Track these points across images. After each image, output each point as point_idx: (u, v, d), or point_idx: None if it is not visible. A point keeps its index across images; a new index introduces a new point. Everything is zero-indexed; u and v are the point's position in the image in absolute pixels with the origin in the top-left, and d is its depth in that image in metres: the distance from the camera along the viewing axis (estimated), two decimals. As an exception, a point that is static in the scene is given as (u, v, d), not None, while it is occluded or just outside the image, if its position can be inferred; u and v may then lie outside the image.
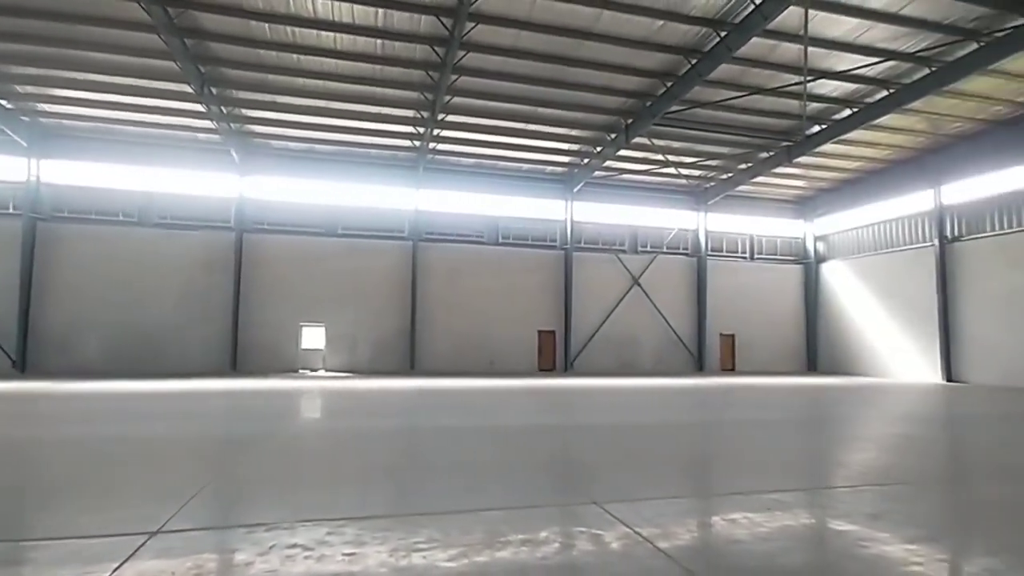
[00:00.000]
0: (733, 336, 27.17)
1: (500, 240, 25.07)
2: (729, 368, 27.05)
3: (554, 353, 25.15)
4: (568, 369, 24.89)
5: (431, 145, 21.66)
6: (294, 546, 3.66)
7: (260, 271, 22.63)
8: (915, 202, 23.24)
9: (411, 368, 23.27)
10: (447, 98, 17.67)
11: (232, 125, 20.14)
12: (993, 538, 4.31)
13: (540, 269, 25.29)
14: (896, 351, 23.70)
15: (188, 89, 17.00)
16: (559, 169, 24.42)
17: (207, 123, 19.66)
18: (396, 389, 15.52)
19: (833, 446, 8.34)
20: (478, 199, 25.11)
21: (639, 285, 26.18)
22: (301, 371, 22.50)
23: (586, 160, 23.09)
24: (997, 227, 20.14)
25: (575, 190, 25.11)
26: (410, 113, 19.12)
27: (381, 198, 24.23)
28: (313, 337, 23.08)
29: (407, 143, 21.62)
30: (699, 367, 26.46)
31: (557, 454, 7.12)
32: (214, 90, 17.50)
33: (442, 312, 23.97)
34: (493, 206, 25.25)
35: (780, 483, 5.57)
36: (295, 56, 15.90)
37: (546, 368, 24.97)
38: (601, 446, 7.58)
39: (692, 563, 3.55)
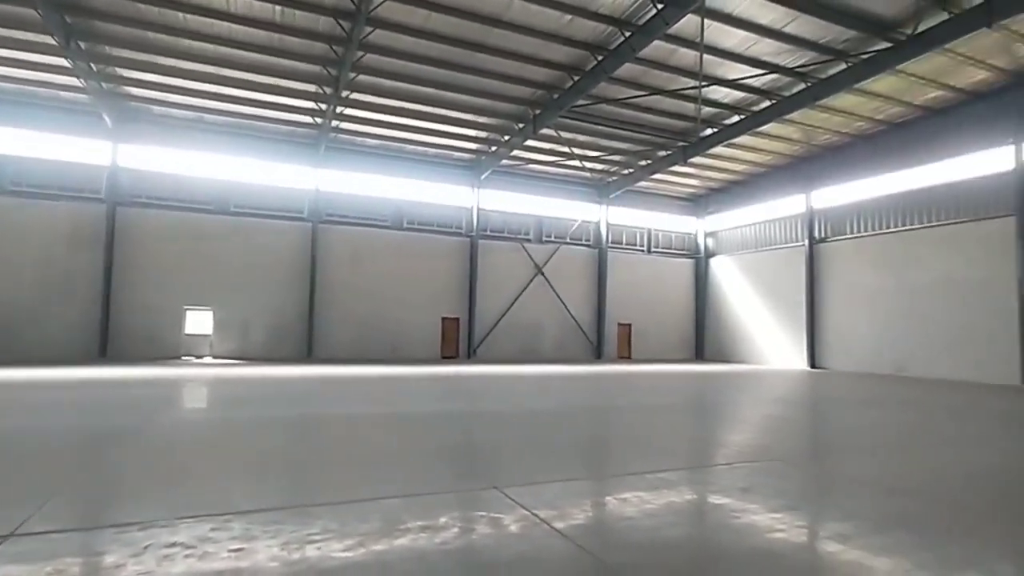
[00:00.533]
0: (630, 325, 28.65)
1: (405, 225, 24.60)
2: (625, 356, 28.52)
3: (458, 340, 25.19)
4: (471, 356, 25.04)
5: (334, 123, 20.73)
6: (173, 545, 3.40)
7: (137, 249, 20.57)
8: (790, 205, 25.68)
9: (308, 355, 22.33)
10: (352, 75, 16.96)
11: (104, 85, 18.03)
12: (845, 506, 4.90)
13: (445, 255, 25.15)
14: (771, 340, 26.18)
15: (51, 41, 14.99)
16: (467, 155, 24.33)
17: (73, 80, 17.45)
18: (291, 377, 14.83)
19: (714, 428, 9.07)
20: (383, 182, 24.43)
21: (543, 274, 26.82)
22: (184, 358, 20.82)
23: (494, 148, 23.18)
24: (856, 230, 22.75)
25: (482, 177, 25.15)
26: (312, 88, 18.15)
27: (279, 176, 22.85)
28: (199, 322, 21.41)
29: (308, 119, 20.52)
30: (597, 355, 27.65)
31: (459, 441, 7.15)
32: (82, 44, 15.54)
33: (343, 297, 23.17)
34: (399, 190, 24.70)
35: (667, 463, 5.98)
36: (180, 15, 14.49)
37: (449, 355, 24.96)
38: (503, 432, 7.72)
39: (585, 540, 3.72)
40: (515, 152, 23.24)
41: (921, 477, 5.74)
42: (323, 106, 19.22)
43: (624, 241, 29.13)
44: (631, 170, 25.82)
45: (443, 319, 24.94)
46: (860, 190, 22.70)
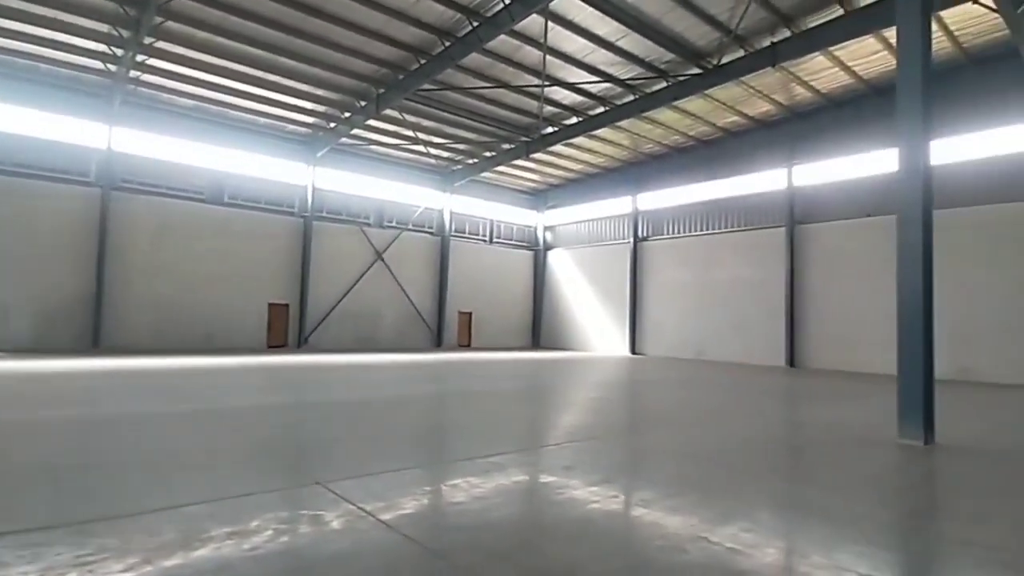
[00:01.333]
0: (471, 314, 29.19)
1: (227, 200, 22.18)
2: (465, 344, 29.02)
3: (287, 328, 23.51)
4: (303, 345, 23.56)
5: (133, 74, 17.84)
6: None
7: None
8: (620, 205, 28.12)
9: (95, 344, 19.09)
10: (157, 20, 14.71)
11: None
12: (651, 475, 5.49)
13: (275, 236, 23.24)
14: (600, 329, 28.52)
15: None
16: (302, 129, 22.68)
17: None
18: (67, 371, 12.56)
19: (544, 411, 9.61)
20: (201, 149, 21.71)
21: (383, 260, 26.12)
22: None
23: (333, 124, 21.92)
24: (672, 232, 25.67)
25: (319, 155, 23.66)
26: (104, 27, 15.36)
27: (60, 129, 19.07)
28: (-61, 304, 17.15)
29: (98, 64, 17.32)
30: (438, 343, 27.75)
31: (280, 437, 6.67)
32: None
33: (144, 277, 20.16)
34: (220, 160, 22.16)
35: (499, 447, 6.18)
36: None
37: (277, 344, 23.21)
38: (332, 424, 7.36)
39: (412, 529, 3.68)
40: (356, 131, 22.20)
41: (711, 445, 6.66)
42: (119, 51, 16.39)
43: (467, 230, 29.51)
44: (476, 160, 26.19)
45: (271, 305, 23.06)
46: (676, 196, 25.62)
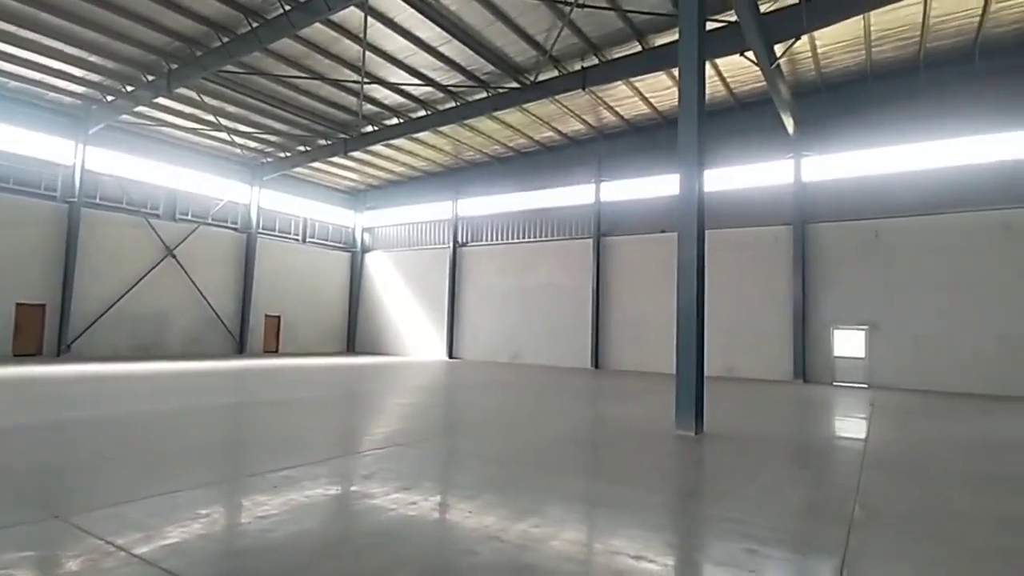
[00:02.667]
0: (279, 317, 27.00)
1: (-45, 175, 17.64)
2: (273, 350, 26.75)
3: (42, 333, 19.40)
4: (63, 353, 19.64)
5: None
6: None
7: None
8: (441, 210, 28.32)
9: None
10: None
11: None
12: (453, 478, 5.51)
13: (26, 224, 19.06)
14: (418, 333, 28.33)
15: None
16: (67, 99, 18.98)
17: None
18: None
19: (350, 419, 9.18)
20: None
21: (174, 257, 22.95)
22: None
23: (111, 98, 18.70)
24: (490, 238, 26.54)
25: (91, 132, 20.00)
26: None
27: None
28: None
29: None
30: (240, 349, 25.17)
31: (16, 463, 5.39)
32: None
33: None
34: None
35: (294, 459, 5.71)
36: None
37: (28, 352, 19.03)
38: (85, 445, 6.16)
39: (175, 561, 3.19)
40: (142, 109, 19.22)
41: (515, 446, 6.93)
42: None
43: (278, 228, 27.29)
44: (289, 154, 24.37)
45: (19, 306, 18.83)
46: (495, 204, 26.60)
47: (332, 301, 29.82)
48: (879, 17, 14.52)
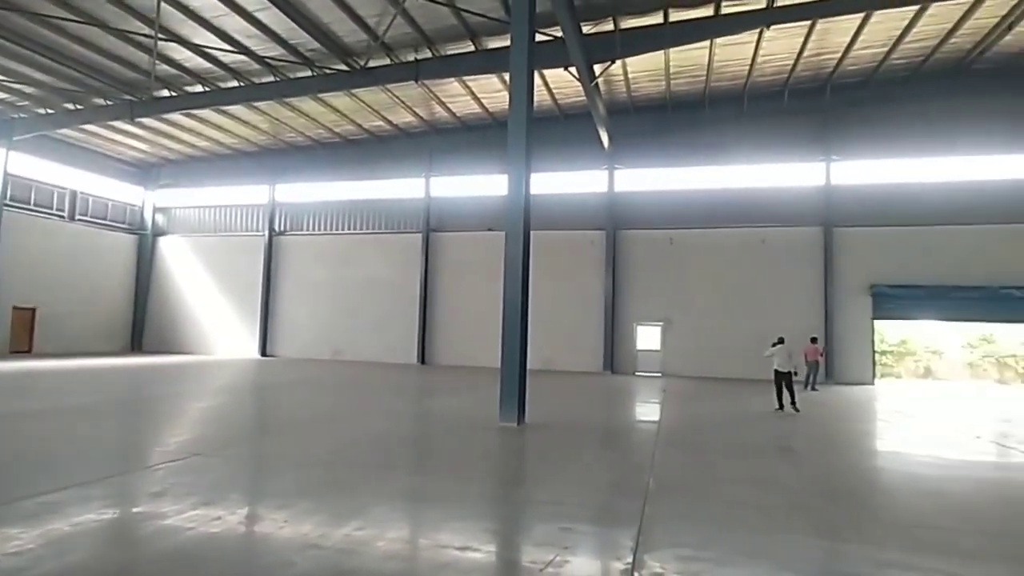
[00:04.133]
0: (34, 310, 22.31)
1: None
2: (24, 350, 22.01)
3: None
4: None
5: None
6: None
7: None
8: (255, 194, 25.84)
9: None
10: None
11: None
12: (264, 488, 5.07)
13: None
14: (225, 329, 25.53)
15: None
16: None
17: None
18: None
19: (136, 429, 7.98)
20: None
21: None
22: None
23: None
24: (312, 228, 24.93)
25: None
26: None
27: None
28: None
29: None
30: (-26, 350, 20.31)
31: None
32: None
33: None
34: None
35: (58, 481, 4.78)
36: None
37: None
38: None
39: None
40: None
41: (335, 446, 6.63)
42: None
43: (34, 200, 22.47)
44: (52, 111, 20.25)
45: None
46: (319, 192, 25.06)
47: (111, 291, 25.51)
48: (676, 54, 16.68)
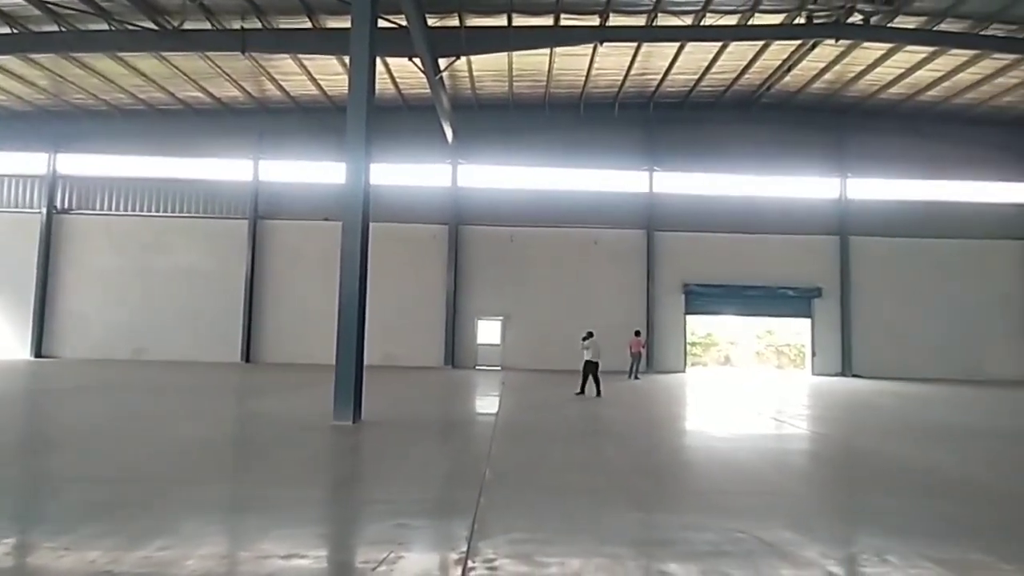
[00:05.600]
0: None
1: None
2: None
3: None
4: None
5: None
6: None
7: None
8: (28, 162, 21.58)
9: None
10: None
11: None
12: (26, 514, 4.29)
13: None
14: (-19, 326, 21.03)
15: None
16: None
17: None
18: None
19: None
20: None
21: None
22: None
23: None
24: (108, 207, 21.48)
25: None
26: None
27: None
28: None
29: None
30: None
31: None
32: None
33: None
34: None
35: None
36: None
37: None
38: None
39: None
40: None
41: (137, 459, 5.82)
42: None
43: None
44: None
45: None
46: (117, 166, 21.69)
47: None
48: (519, 58, 17.37)
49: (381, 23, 11.21)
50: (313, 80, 18.34)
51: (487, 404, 11.13)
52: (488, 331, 20.80)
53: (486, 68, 18.17)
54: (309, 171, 21.51)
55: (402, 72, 17.82)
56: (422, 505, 4.45)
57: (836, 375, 20.70)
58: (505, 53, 16.78)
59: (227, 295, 20.90)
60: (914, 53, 16.67)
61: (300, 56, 16.60)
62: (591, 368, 12.22)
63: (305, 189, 21.29)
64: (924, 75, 18.03)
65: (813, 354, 21.26)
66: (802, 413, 10.77)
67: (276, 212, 21.32)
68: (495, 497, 4.69)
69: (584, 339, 12.65)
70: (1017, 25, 15.05)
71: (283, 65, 17.51)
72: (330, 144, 20.70)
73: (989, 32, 15.28)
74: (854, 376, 20.44)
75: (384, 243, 19.67)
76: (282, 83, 18.70)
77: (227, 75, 18.01)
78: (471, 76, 18.51)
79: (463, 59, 16.67)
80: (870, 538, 4.08)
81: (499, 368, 20.34)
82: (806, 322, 21.38)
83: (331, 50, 15.29)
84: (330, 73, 17.96)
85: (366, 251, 8.61)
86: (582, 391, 12.18)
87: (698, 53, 17.22)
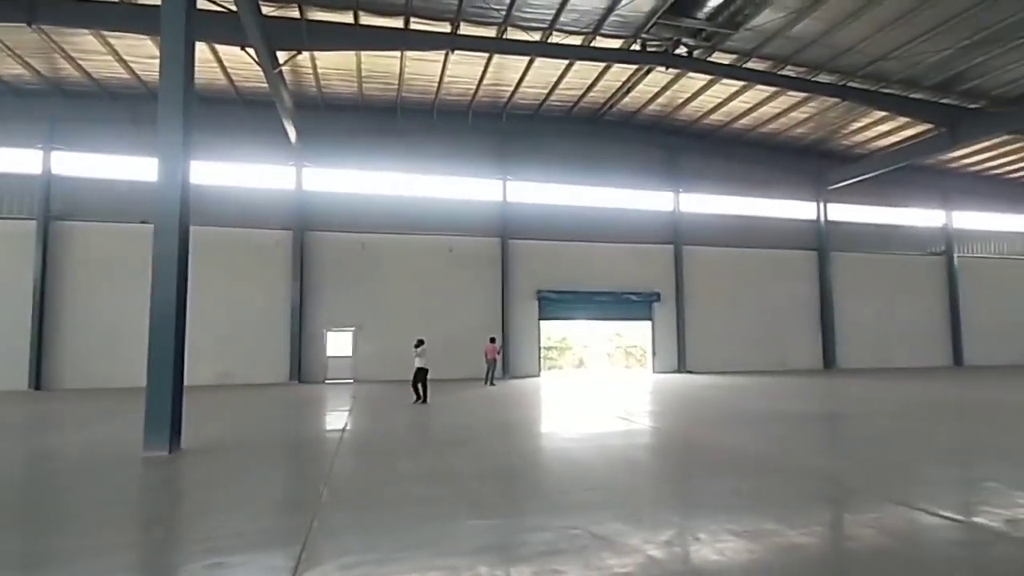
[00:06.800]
0: None
1: None
2: None
3: None
4: None
5: None
6: None
7: None
8: None
9: None
10: None
11: None
12: None
13: None
14: None
15: None
16: None
17: None
18: None
19: None
20: None
21: None
22: None
23: None
24: None
25: None
26: None
27: None
28: None
29: None
30: None
31: None
32: None
33: None
34: None
35: None
36: None
37: None
38: None
39: None
40: None
41: None
42: None
43: None
44: None
45: None
46: None
47: None
48: (368, 58, 16.94)
49: (205, 4, 10.29)
50: (122, 62, 16.26)
51: (334, 420, 10.58)
52: (339, 343, 19.87)
53: (332, 66, 17.46)
54: (122, 167, 18.94)
55: (236, 63, 16.49)
56: (243, 539, 4.06)
57: (673, 372, 22.81)
58: (353, 53, 16.27)
59: (10, 310, 17.62)
60: (729, 85, 19.03)
61: (104, 33, 14.62)
62: (423, 374, 12.65)
63: (115, 187, 18.63)
64: (737, 105, 20.67)
65: (654, 354, 23.22)
66: (641, 410, 11.66)
67: (76, 212, 18.42)
68: (331, 519, 4.43)
69: (416, 346, 13.02)
70: (806, 68, 17.86)
71: (83, 42, 15.31)
72: (146, 137, 18.52)
73: (784, 72, 17.95)
74: (688, 372, 22.67)
75: (219, 249, 18.09)
76: (82, 63, 16.33)
77: (10, 49, 15.35)
78: (316, 74, 17.66)
79: (306, 55, 15.86)
80: (687, 520, 4.48)
81: (351, 381, 19.52)
82: (648, 324, 23.31)
83: (141, 28, 13.53)
84: (144, 55, 16.02)
85: (185, 256, 7.75)
86: (418, 398, 12.52)
87: (547, 69, 18.07)
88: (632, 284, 22.83)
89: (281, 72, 15.20)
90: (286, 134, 18.13)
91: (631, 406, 12.27)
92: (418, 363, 12.74)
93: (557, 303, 22.17)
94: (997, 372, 22.49)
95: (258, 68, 14.80)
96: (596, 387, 17.35)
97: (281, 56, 14.77)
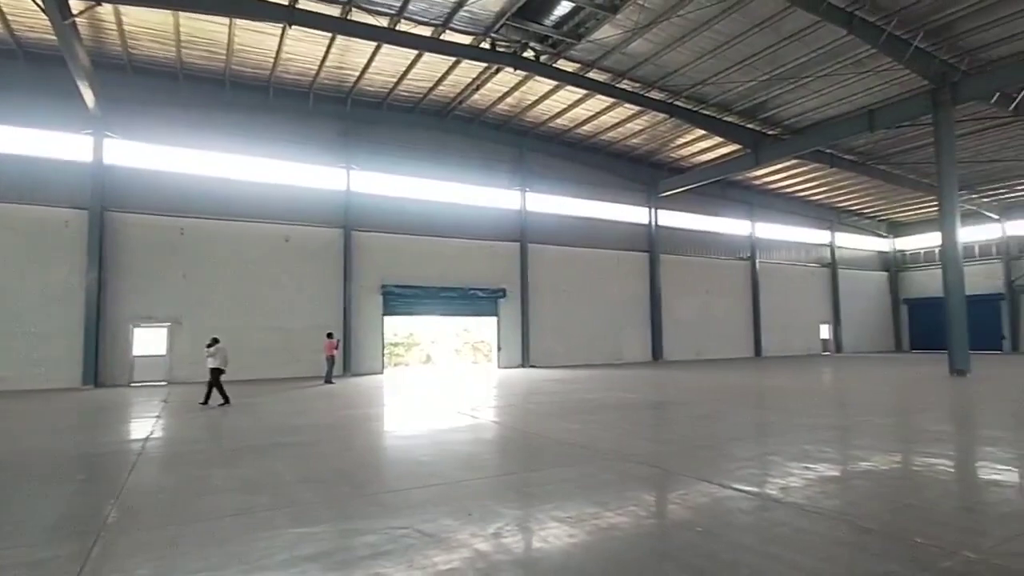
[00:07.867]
0: None
1: None
2: None
3: None
4: None
5: None
6: None
7: None
8: None
9: None
10: None
11: None
12: None
13: None
14: None
15: None
16: None
17: None
18: None
19: None
20: None
21: None
22: None
23: None
24: None
25: None
26: None
27: None
28: None
29: None
30: None
31: None
32: None
33: None
34: None
35: None
36: None
37: None
38: None
39: None
40: None
41: None
42: None
43: None
44: None
45: None
46: None
47: None
48: (188, 21, 15.23)
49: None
50: None
51: (137, 428, 9.33)
52: (149, 340, 17.58)
53: (142, 25, 15.38)
54: None
55: (16, 9, 13.87)
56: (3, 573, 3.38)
57: (518, 367, 23.58)
58: (170, 13, 14.48)
59: None
60: (573, 92, 20.09)
61: None
62: (216, 376, 12.05)
63: None
64: (580, 112, 21.92)
65: (499, 349, 23.80)
66: (484, 404, 11.86)
67: None
68: (117, 543, 3.86)
69: (208, 345, 12.39)
70: (640, 84, 19.47)
71: None
72: None
73: (621, 85, 19.41)
74: (531, 367, 23.59)
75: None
76: None
77: None
78: (121, 31, 15.43)
79: (107, 8, 13.80)
80: (515, 510, 4.60)
81: (164, 383, 17.41)
82: (494, 320, 23.83)
83: None
84: None
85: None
86: (226, 401, 11.81)
87: (395, 57, 17.62)
88: (479, 280, 23.18)
89: (75, 23, 13.05)
90: (82, 98, 15.60)
91: (474, 401, 12.43)
92: (210, 363, 12.14)
93: (403, 298, 21.78)
94: (786, 362, 26.46)
95: (44, 17, 12.53)
96: (440, 383, 17.34)
97: (76, 6, 12.69)
